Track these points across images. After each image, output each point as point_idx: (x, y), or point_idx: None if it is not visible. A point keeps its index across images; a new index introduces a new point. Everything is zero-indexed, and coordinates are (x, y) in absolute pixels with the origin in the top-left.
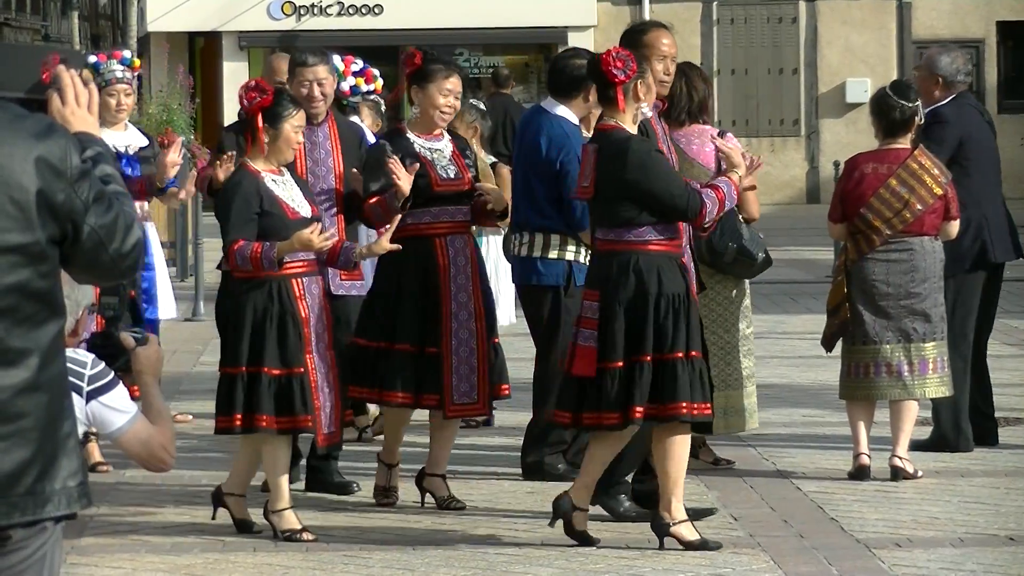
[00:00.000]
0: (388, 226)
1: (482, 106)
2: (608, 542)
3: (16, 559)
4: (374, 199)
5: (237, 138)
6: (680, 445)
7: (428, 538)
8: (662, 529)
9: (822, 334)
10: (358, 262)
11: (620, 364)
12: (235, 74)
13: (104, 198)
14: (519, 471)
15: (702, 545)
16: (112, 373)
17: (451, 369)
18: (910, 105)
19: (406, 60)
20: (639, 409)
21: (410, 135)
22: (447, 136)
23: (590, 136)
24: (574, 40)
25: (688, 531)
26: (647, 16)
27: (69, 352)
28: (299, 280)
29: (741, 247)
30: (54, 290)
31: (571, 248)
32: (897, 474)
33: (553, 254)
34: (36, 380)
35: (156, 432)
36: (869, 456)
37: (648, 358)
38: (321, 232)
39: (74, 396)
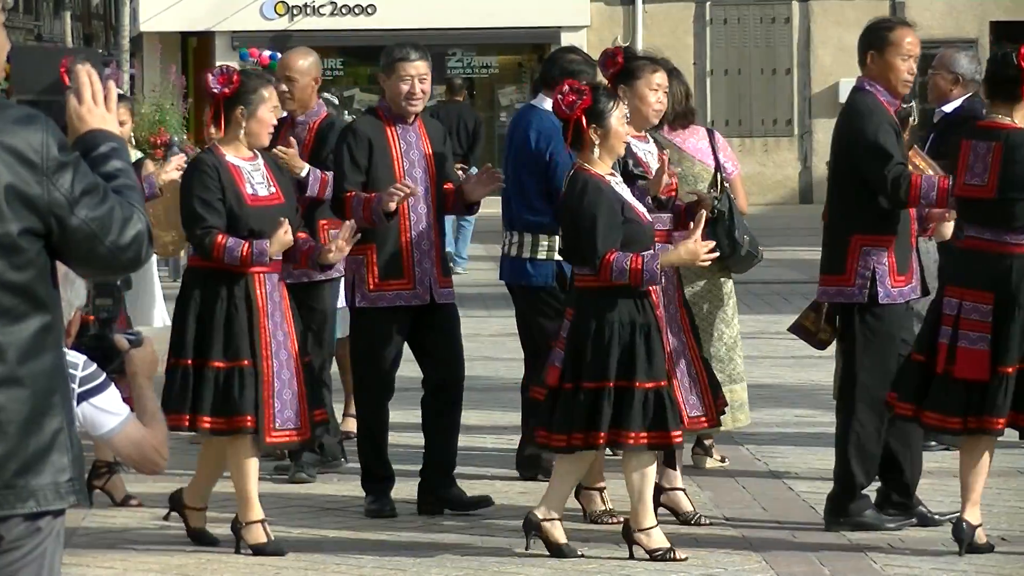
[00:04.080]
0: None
1: (336, 100)
2: (600, 543)
3: (12, 557)
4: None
5: None
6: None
7: (420, 539)
8: (627, 535)
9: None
10: (331, 261)
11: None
12: None
13: (98, 190)
14: (512, 472)
15: (665, 555)
16: (104, 375)
17: None
18: (905, 106)
19: (607, 62)
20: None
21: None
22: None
23: (967, 131)
24: (567, 40)
25: (652, 540)
26: (640, 15)
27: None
28: (260, 276)
29: (752, 239)
30: (34, 284)
31: (559, 248)
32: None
33: (542, 255)
34: (14, 374)
35: (148, 434)
36: None
37: None
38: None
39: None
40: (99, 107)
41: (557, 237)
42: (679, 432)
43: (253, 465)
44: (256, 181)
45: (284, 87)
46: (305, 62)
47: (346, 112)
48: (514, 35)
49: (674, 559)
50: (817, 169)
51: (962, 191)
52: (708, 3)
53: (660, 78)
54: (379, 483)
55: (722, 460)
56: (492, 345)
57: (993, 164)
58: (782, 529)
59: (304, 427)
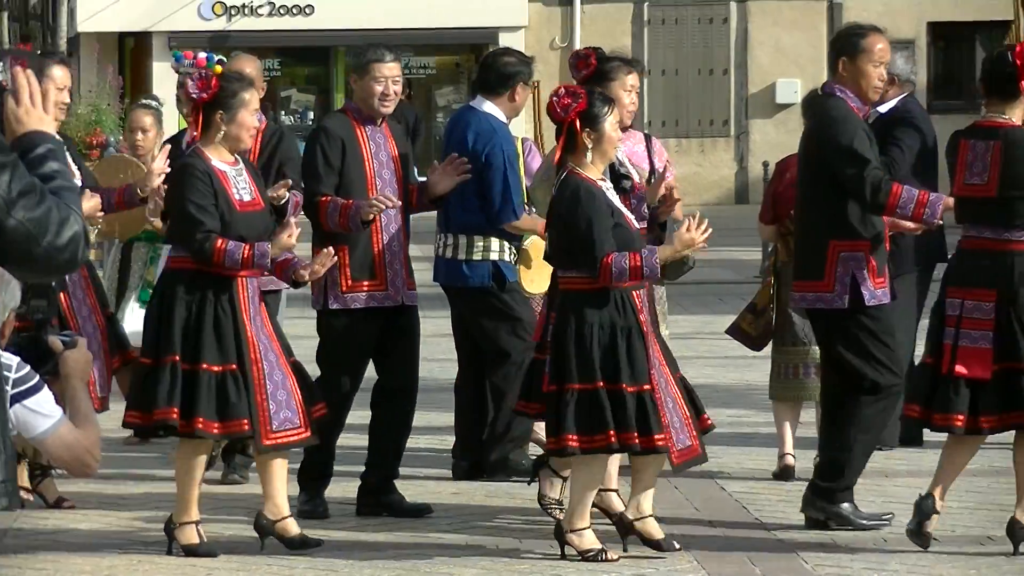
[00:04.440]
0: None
1: (155, 104)
2: (535, 542)
3: None
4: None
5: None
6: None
7: (354, 539)
8: (559, 535)
9: (736, 327)
10: (305, 280)
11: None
12: (165, 74)
13: (34, 192)
14: (446, 472)
15: (597, 555)
16: (37, 376)
17: None
18: None
19: (578, 64)
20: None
21: None
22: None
23: (965, 131)
24: (505, 40)
25: (584, 541)
26: (578, 16)
27: None
28: (244, 280)
29: None
30: None
31: (495, 248)
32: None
33: (478, 256)
34: None
35: (81, 436)
36: (794, 456)
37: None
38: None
39: None
40: (37, 108)
41: (493, 238)
42: (662, 436)
43: (200, 468)
44: (240, 186)
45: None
46: (254, 69)
47: (282, 113)
48: (452, 36)
49: (606, 559)
50: (753, 170)
51: (962, 190)
52: (646, 4)
53: (633, 79)
54: (315, 481)
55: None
56: (426, 346)
57: (993, 162)
58: (714, 529)
59: (304, 425)
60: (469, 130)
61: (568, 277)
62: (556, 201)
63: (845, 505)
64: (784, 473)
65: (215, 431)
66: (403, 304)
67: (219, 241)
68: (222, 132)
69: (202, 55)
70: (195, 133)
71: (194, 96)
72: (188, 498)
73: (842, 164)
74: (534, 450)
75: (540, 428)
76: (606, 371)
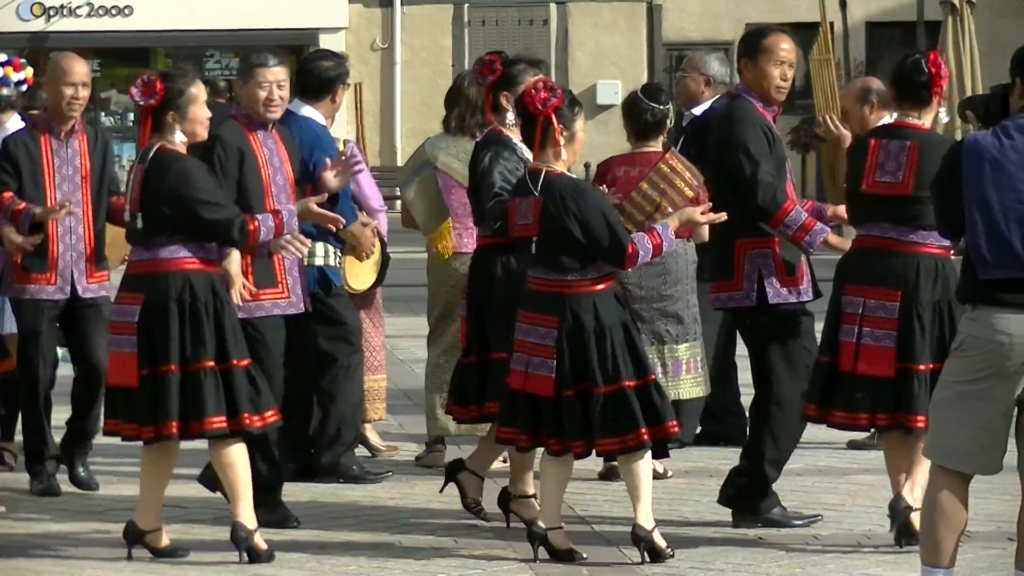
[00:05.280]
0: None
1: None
2: (364, 535)
3: None
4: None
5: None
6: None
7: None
8: (534, 537)
9: None
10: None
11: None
12: None
13: None
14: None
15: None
16: None
17: None
18: (661, 108)
19: (483, 69)
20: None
21: (515, 139)
22: None
23: (877, 131)
24: (325, 42)
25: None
26: (398, 17)
27: None
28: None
29: None
30: None
31: (320, 254)
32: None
33: (305, 261)
34: None
35: None
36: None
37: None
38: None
39: None
40: None
41: (318, 243)
42: (674, 422)
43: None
44: None
45: (83, 94)
46: (83, 67)
47: (102, 114)
48: (272, 37)
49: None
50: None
51: (872, 187)
52: (466, 5)
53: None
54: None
55: (504, 461)
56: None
57: (910, 162)
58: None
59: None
60: (292, 135)
61: (570, 280)
62: (554, 204)
63: (775, 511)
64: (610, 473)
65: (223, 427)
66: (305, 310)
67: (247, 218)
68: (176, 131)
69: (2, 57)
70: (144, 138)
71: (142, 103)
72: (156, 499)
73: (737, 163)
74: (363, 452)
75: (370, 430)
76: (627, 369)
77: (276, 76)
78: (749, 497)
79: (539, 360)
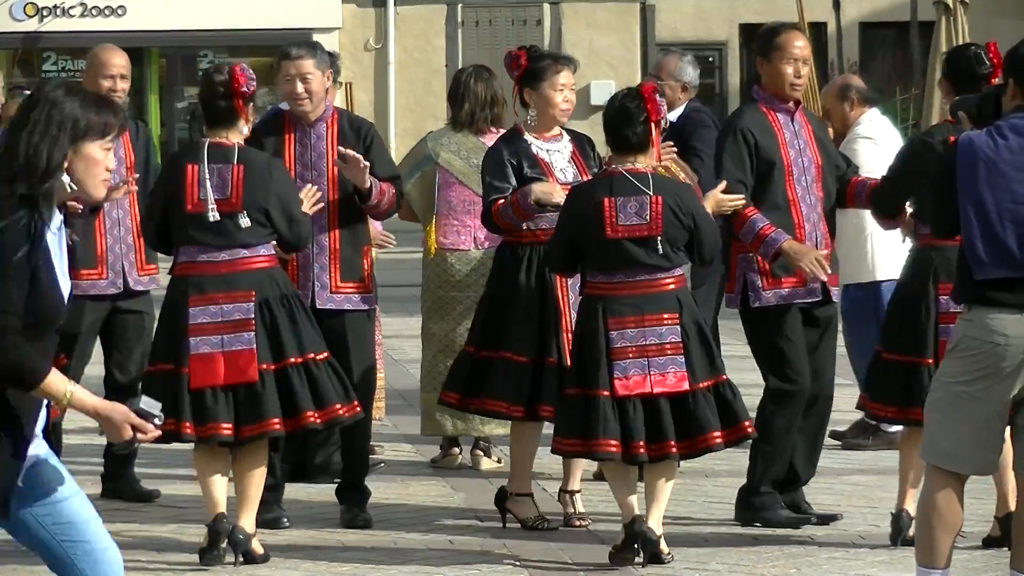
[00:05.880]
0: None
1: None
2: (353, 543)
3: None
4: (502, 200)
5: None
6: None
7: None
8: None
9: None
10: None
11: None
12: None
13: None
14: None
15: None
16: None
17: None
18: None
19: (511, 63)
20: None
21: (528, 137)
22: (566, 136)
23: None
24: (319, 42)
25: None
26: (392, 17)
27: None
28: None
29: None
30: None
31: None
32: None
33: None
34: None
35: None
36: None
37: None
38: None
39: None
40: None
41: None
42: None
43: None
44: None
45: (122, 86)
46: (123, 60)
47: None
48: (266, 37)
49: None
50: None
51: None
52: (460, 5)
53: (565, 77)
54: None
55: (499, 461)
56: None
57: None
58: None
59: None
60: None
61: (679, 276)
62: (673, 202)
63: (767, 512)
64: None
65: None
66: (314, 305)
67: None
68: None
69: None
70: (246, 128)
71: (245, 91)
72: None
73: (715, 170)
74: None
75: None
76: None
77: (299, 68)
78: (745, 496)
79: (664, 360)
